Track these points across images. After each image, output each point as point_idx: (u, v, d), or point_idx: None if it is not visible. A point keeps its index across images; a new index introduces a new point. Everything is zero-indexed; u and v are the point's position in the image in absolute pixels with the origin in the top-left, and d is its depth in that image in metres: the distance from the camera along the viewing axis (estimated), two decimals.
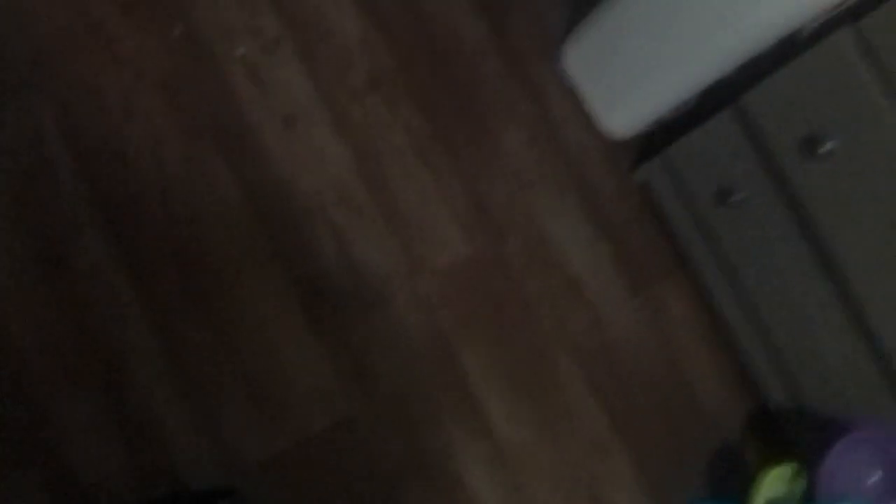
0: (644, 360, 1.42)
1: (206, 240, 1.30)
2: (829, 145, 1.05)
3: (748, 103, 1.17)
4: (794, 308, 1.24)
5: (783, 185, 1.16)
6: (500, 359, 1.37)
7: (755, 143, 1.18)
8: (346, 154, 1.37)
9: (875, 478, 1.20)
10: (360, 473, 1.27)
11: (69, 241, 1.25)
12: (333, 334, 1.31)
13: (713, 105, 1.22)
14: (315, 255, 1.33)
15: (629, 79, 1.31)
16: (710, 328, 1.44)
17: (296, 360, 1.29)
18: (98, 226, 1.26)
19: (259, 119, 1.35)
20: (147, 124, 1.32)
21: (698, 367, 1.44)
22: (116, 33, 1.34)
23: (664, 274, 1.43)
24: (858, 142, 1.04)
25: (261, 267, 1.31)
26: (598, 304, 1.41)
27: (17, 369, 1.19)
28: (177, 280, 1.27)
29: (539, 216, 1.41)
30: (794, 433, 1.32)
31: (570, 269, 1.42)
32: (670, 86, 1.25)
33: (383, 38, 1.41)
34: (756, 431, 1.42)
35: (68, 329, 1.22)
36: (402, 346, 1.33)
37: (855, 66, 1.01)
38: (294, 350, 1.29)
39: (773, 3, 1.07)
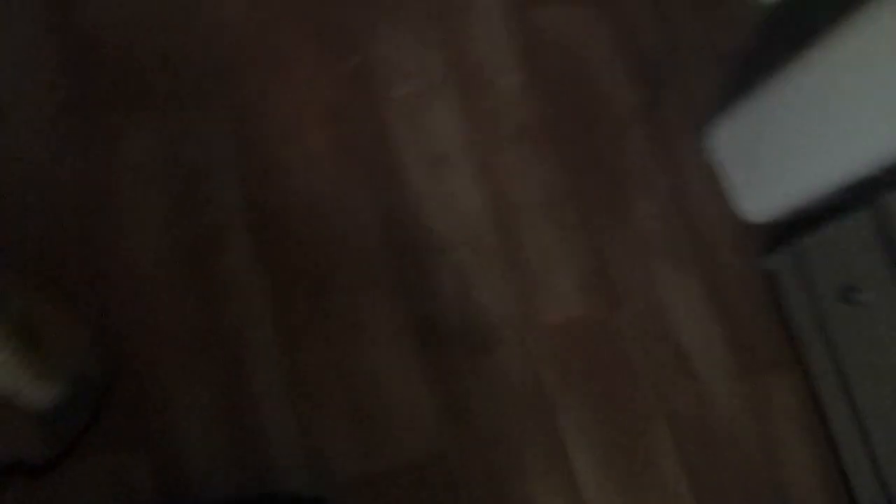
0: (740, 447, 1.40)
1: (340, 261, 1.35)
2: None
3: (888, 204, 1.18)
4: None
5: None
6: (597, 422, 1.37)
7: (889, 244, 1.18)
8: (483, 198, 1.41)
9: None
10: None
11: (218, 242, 1.30)
12: (440, 370, 1.33)
13: (852, 202, 1.22)
14: (435, 291, 1.37)
15: (773, 164, 1.32)
16: (812, 426, 1.41)
17: (401, 388, 1.31)
18: (246, 232, 1.31)
19: (409, 155, 1.41)
20: (306, 146, 1.38)
21: (794, 463, 1.41)
22: (298, 56, 1.41)
23: (775, 364, 1.41)
24: None
25: (384, 295, 1.35)
26: (704, 383, 1.40)
27: (148, 355, 1.23)
28: (307, 293, 1.32)
29: (659, 287, 1.41)
30: None
31: (681, 343, 1.41)
32: (813, 177, 1.25)
33: (539, 94, 1.46)
34: None
35: (202, 324, 1.26)
36: (503, 393, 1.34)
37: None
38: (401, 378, 1.31)
39: None
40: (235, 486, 1.25)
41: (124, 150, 1.28)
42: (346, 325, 1.33)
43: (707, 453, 1.38)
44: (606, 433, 1.37)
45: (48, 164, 1.24)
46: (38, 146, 1.24)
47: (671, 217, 1.46)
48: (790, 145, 1.28)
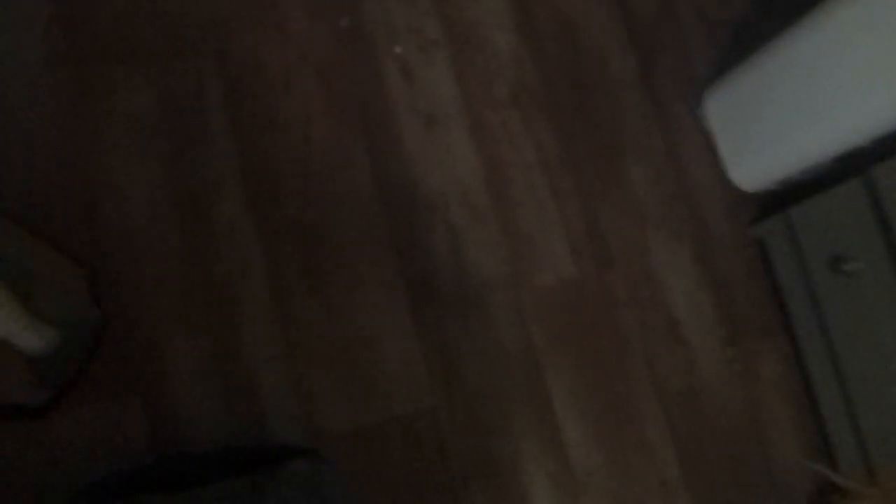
0: (726, 412, 1.42)
1: (333, 217, 1.35)
2: None
3: (877, 175, 1.18)
4: (884, 386, 1.23)
5: None
6: (585, 383, 1.38)
7: (878, 214, 1.19)
8: (477, 160, 1.42)
9: None
10: (431, 464, 1.30)
11: (211, 195, 1.30)
12: (431, 327, 1.34)
13: (843, 173, 1.23)
14: (428, 249, 1.37)
15: (766, 134, 1.33)
16: (797, 393, 1.43)
17: (392, 343, 1.32)
18: (239, 187, 1.32)
19: (403, 114, 1.41)
20: (301, 102, 1.38)
21: (778, 428, 1.43)
22: (291, 14, 1.41)
23: (763, 331, 1.43)
24: None
25: (377, 251, 1.35)
26: (692, 348, 1.42)
27: (143, 305, 1.23)
28: (300, 249, 1.32)
29: (650, 252, 1.42)
30: None
31: (670, 308, 1.43)
32: (805, 147, 1.26)
33: (533, 56, 1.45)
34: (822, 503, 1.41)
35: (195, 275, 1.27)
36: (493, 352, 1.36)
37: None
38: (392, 334, 1.33)
39: None
40: (227, 437, 1.26)
41: (117, 101, 1.28)
42: (338, 282, 1.34)
43: (692, 417, 1.40)
44: (595, 395, 1.38)
45: (42, 116, 1.23)
46: (30, 97, 1.24)
47: (664, 183, 1.47)
48: (783, 115, 1.28)
